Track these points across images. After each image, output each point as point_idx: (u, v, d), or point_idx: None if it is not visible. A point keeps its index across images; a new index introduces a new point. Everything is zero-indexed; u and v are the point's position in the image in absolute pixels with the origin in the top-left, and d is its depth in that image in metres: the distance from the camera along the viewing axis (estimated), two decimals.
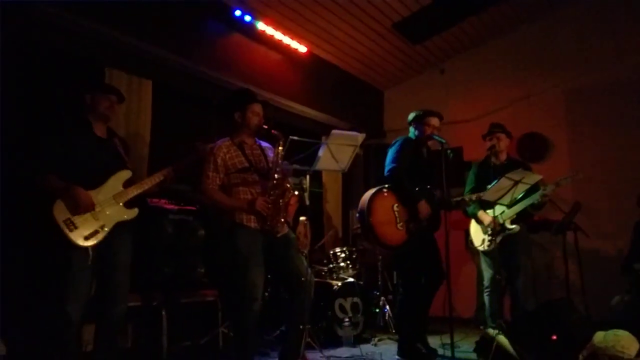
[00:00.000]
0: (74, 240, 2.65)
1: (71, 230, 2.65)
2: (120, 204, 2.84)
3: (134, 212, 2.89)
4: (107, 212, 2.79)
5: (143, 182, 2.94)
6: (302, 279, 3.04)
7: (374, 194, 3.42)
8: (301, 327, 3.06)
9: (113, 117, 3.07)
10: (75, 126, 2.87)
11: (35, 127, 2.97)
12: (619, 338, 2.89)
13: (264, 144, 3.27)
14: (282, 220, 3.05)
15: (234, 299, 3.07)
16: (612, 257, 4.82)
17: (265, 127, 3.11)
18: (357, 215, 3.53)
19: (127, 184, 2.90)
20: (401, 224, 3.43)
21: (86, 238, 2.68)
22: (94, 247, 2.71)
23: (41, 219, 2.67)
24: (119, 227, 2.82)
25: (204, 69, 4.33)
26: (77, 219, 2.68)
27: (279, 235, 3.06)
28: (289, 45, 5.05)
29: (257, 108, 3.15)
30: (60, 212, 2.66)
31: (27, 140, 3.05)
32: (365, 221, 3.35)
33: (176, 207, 3.89)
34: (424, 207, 3.43)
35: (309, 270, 3.11)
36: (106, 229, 2.76)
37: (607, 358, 2.89)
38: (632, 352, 2.90)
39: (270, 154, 3.14)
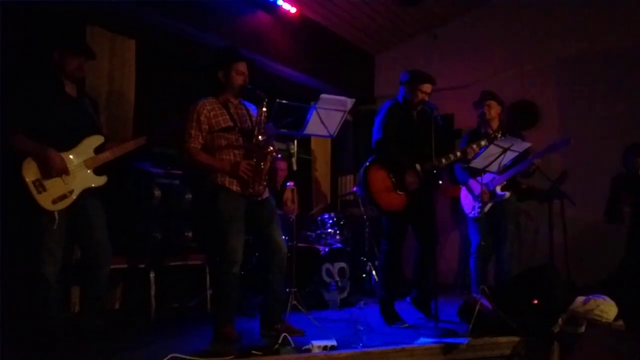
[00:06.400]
0: (41, 203, 2.60)
1: (39, 192, 2.60)
2: (91, 170, 2.79)
3: (103, 179, 2.85)
4: (77, 177, 2.73)
5: (115, 149, 2.87)
6: (276, 245, 3.07)
7: (367, 166, 3.46)
8: (278, 294, 3.10)
9: (82, 77, 2.96)
10: (47, 84, 2.77)
11: (7, 84, 2.86)
12: (598, 302, 2.97)
13: (250, 105, 3.20)
14: (264, 184, 3.03)
15: (215, 261, 3.09)
16: (597, 225, 4.89)
17: (250, 87, 3.04)
18: (357, 189, 3.54)
19: (98, 149, 2.84)
20: (400, 188, 3.45)
21: (54, 202, 2.63)
22: (61, 211, 2.66)
23: (11, 178, 2.61)
24: (88, 192, 2.78)
25: (189, 28, 4.20)
26: (46, 182, 2.62)
27: (260, 199, 3.05)
28: (278, 5, 4.91)
29: (242, 67, 3.05)
30: (29, 172, 2.60)
31: None
32: (366, 193, 3.43)
33: (163, 171, 3.86)
34: (410, 180, 3.42)
35: (283, 238, 3.14)
36: (74, 195, 2.71)
37: (586, 322, 2.97)
38: (611, 316, 2.98)
39: (255, 114, 3.09)
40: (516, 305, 3.06)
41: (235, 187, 2.97)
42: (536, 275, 3.22)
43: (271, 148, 3.00)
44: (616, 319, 3.02)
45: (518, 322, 2.97)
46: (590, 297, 3.04)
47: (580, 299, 3.03)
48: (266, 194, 3.13)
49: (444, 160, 3.48)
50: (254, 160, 2.96)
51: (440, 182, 3.75)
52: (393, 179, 3.45)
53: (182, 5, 4.09)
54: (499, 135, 3.52)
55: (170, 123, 3.08)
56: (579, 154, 4.80)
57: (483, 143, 3.56)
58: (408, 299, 3.74)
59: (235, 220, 2.96)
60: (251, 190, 2.97)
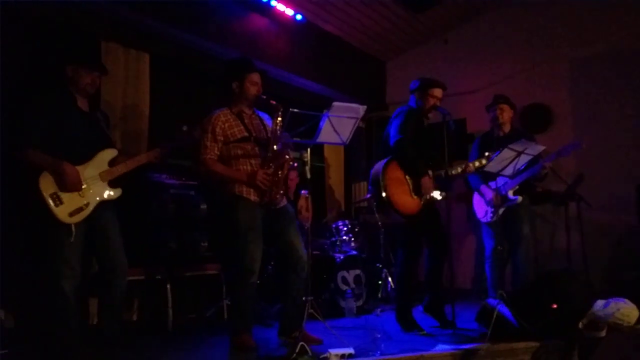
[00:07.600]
0: (58, 216, 2.63)
1: (57, 205, 2.64)
2: (105, 182, 2.83)
3: (118, 191, 2.88)
4: (92, 190, 2.77)
5: (129, 162, 2.91)
6: (296, 254, 3.05)
7: (385, 165, 3.40)
8: (298, 302, 3.06)
9: (94, 92, 2.99)
10: (59, 99, 2.82)
11: (22, 100, 2.93)
12: (619, 306, 2.92)
13: (263, 115, 3.23)
14: (281, 192, 3.04)
15: (232, 271, 3.10)
16: (615, 228, 4.82)
17: (264, 97, 3.06)
18: (369, 186, 3.52)
19: (112, 162, 2.88)
20: (415, 192, 3.43)
21: (70, 214, 2.67)
22: (77, 224, 2.69)
23: (28, 192, 2.65)
24: (103, 205, 2.81)
25: (201, 41, 4.25)
26: (63, 194, 2.66)
27: (277, 207, 3.06)
28: (287, 14, 4.94)
29: (256, 77, 3.09)
30: (47, 185, 2.64)
31: (12, 114, 2.98)
32: (380, 191, 3.34)
33: (177, 182, 3.89)
34: (427, 184, 3.40)
35: (303, 245, 3.12)
36: (90, 208, 2.75)
37: (606, 326, 2.92)
38: (632, 319, 2.93)
39: (270, 125, 3.11)
40: (534, 310, 3.02)
41: (252, 197, 2.99)
42: (554, 279, 3.18)
43: (287, 157, 3.02)
44: (638, 322, 2.97)
45: (537, 327, 2.94)
46: (610, 300, 2.99)
47: (599, 302, 2.99)
48: (284, 202, 3.14)
49: (452, 171, 3.49)
50: (271, 169, 2.99)
51: (449, 190, 3.73)
52: (410, 182, 3.43)
53: (196, 19, 4.15)
54: (487, 155, 3.57)
55: (181, 134, 3.11)
56: (594, 156, 4.75)
57: (484, 161, 3.57)
58: (420, 307, 3.70)
59: (253, 230, 2.97)
60: (267, 199, 2.98)
